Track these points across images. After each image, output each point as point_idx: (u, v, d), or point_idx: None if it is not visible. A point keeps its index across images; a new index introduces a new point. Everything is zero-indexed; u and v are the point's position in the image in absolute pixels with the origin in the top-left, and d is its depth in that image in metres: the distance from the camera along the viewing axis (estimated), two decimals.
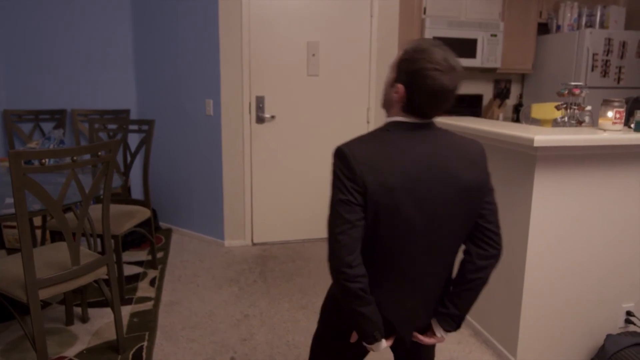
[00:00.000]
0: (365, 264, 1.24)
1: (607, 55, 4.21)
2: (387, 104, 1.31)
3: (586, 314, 2.25)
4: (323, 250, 3.72)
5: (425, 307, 1.37)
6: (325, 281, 3.15)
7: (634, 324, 2.30)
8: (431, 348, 1.58)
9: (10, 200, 2.07)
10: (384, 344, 1.32)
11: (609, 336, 2.13)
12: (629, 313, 2.30)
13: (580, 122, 2.49)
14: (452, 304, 1.36)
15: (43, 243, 3.02)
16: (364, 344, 1.32)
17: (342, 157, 1.21)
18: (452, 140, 1.28)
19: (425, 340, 1.40)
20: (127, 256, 3.53)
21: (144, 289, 3.01)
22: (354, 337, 1.39)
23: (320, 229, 3.97)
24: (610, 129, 2.14)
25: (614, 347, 2.06)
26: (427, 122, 1.27)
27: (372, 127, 3.92)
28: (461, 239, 1.34)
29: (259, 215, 3.83)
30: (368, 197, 1.19)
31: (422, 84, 1.19)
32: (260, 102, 3.67)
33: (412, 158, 1.22)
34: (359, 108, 3.88)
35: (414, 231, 1.24)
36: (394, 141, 1.24)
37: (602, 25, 4.43)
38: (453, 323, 1.37)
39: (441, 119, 2.71)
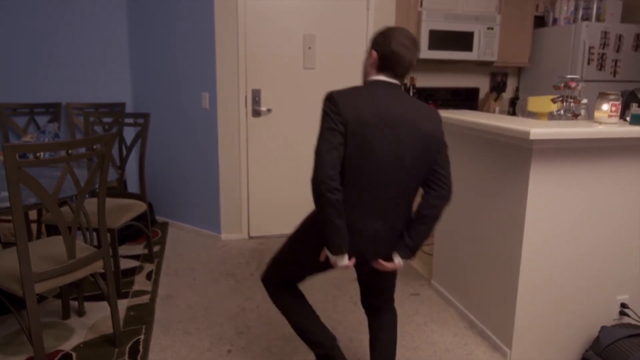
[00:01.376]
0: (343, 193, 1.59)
1: (603, 48, 4.21)
2: (365, 73, 1.73)
3: (581, 306, 2.26)
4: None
5: (388, 236, 1.68)
6: (321, 274, 3.16)
7: (628, 316, 2.32)
8: (392, 279, 1.89)
9: (5, 194, 2.06)
10: (346, 260, 1.64)
11: (603, 328, 2.14)
12: (623, 305, 2.32)
13: (576, 115, 2.50)
14: (409, 236, 1.69)
15: (39, 237, 3.01)
16: (329, 254, 1.63)
17: (331, 98, 1.60)
18: (415, 101, 1.67)
19: (385, 264, 1.70)
20: (123, 250, 3.53)
21: (140, 282, 3.01)
22: (323, 256, 1.69)
23: None
24: (606, 122, 2.14)
25: (608, 339, 2.08)
26: (397, 83, 1.67)
27: None
28: (419, 180, 1.68)
29: (256, 209, 3.83)
30: (347, 127, 1.57)
31: (389, 49, 1.63)
32: (256, 95, 3.66)
33: (383, 105, 1.60)
34: None
35: (381, 161, 1.59)
36: (371, 92, 1.62)
37: (599, 19, 4.42)
38: (408, 251, 1.69)
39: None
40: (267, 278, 1.94)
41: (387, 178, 1.61)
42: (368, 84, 1.67)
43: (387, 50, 1.64)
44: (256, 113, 3.68)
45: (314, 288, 2.97)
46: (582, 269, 2.21)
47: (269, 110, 3.70)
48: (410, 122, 1.60)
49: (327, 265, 1.76)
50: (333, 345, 1.89)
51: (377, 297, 1.90)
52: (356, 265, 1.75)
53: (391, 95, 1.63)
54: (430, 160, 1.65)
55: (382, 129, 1.58)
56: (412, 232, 1.68)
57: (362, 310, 2.67)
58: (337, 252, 1.60)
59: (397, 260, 1.70)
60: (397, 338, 1.94)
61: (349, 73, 3.81)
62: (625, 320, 2.33)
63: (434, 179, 1.68)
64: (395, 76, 1.66)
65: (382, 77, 1.66)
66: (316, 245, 1.72)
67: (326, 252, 1.66)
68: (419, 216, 1.67)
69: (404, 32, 1.65)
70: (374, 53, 1.67)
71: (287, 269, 1.87)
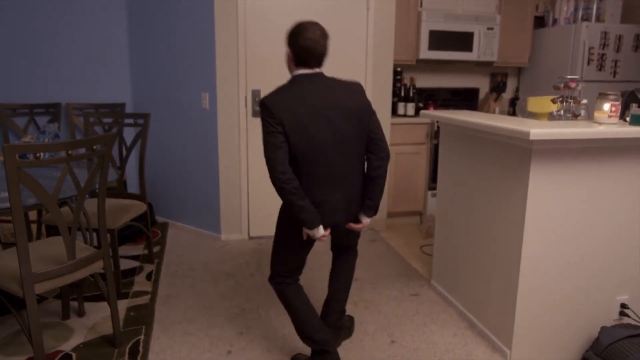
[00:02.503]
0: (297, 175, 1.89)
1: (603, 48, 4.21)
2: (289, 68, 1.97)
3: (581, 307, 2.26)
4: (318, 244, 3.73)
5: (350, 201, 2.00)
6: (321, 274, 3.16)
7: (628, 316, 2.32)
8: (358, 234, 2.26)
9: (5, 194, 2.06)
10: (322, 230, 1.93)
11: (603, 328, 2.14)
12: (623, 305, 2.32)
13: (576, 116, 2.50)
14: (368, 198, 2.02)
15: (39, 237, 3.01)
16: (307, 231, 1.92)
17: (264, 106, 1.84)
18: (337, 82, 1.95)
19: (355, 226, 2.06)
20: (123, 250, 3.53)
21: (140, 283, 3.01)
22: (304, 234, 1.98)
23: None
24: (606, 122, 2.14)
25: (608, 339, 2.08)
26: (317, 72, 1.92)
27: None
28: (361, 148, 1.98)
29: (256, 209, 3.83)
30: (285, 126, 1.82)
31: (299, 46, 1.87)
32: (256, 95, 3.66)
33: (310, 95, 1.86)
34: None
35: (323, 144, 1.87)
36: (297, 87, 1.88)
37: (599, 19, 4.42)
38: (371, 211, 2.04)
39: (437, 112, 2.71)
40: (273, 273, 2.14)
41: (333, 156, 1.91)
42: (292, 80, 1.92)
43: (298, 47, 1.87)
44: (256, 113, 3.68)
45: (314, 290, 2.97)
46: (582, 269, 2.21)
47: None
48: (339, 102, 1.90)
49: (311, 241, 2.06)
50: (328, 341, 2.07)
51: (347, 243, 2.29)
52: (332, 232, 2.13)
53: (315, 84, 1.89)
54: (365, 129, 1.97)
55: (315, 116, 1.86)
56: (369, 194, 2.02)
57: (362, 311, 2.69)
58: (312, 226, 1.90)
59: (364, 220, 2.06)
60: (353, 275, 2.36)
61: (349, 73, 3.81)
62: (625, 320, 2.33)
63: (372, 145, 2.00)
64: (312, 67, 1.91)
65: (302, 71, 1.91)
66: (295, 228, 2.01)
67: (305, 230, 1.95)
68: (369, 179, 2.01)
69: (311, 27, 1.87)
70: (289, 51, 1.92)
71: (285, 258, 2.10)
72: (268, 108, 1.82)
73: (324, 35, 1.88)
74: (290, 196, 1.84)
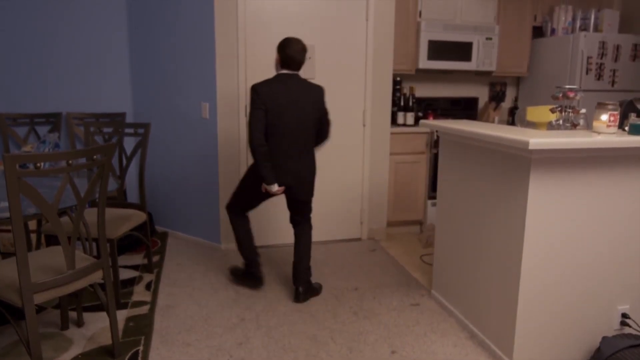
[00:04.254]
0: (267, 144, 2.67)
1: (601, 58, 4.24)
2: (275, 67, 2.75)
3: (582, 316, 2.25)
4: (319, 254, 3.72)
5: (303, 170, 2.77)
6: (321, 281, 3.15)
7: (629, 326, 2.31)
8: (309, 205, 2.94)
9: (5, 204, 2.06)
10: (276, 187, 2.70)
11: (604, 338, 2.13)
12: (624, 315, 2.31)
13: (574, 125, 2.50)
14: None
15: (38, 247, 3.01)
16: (265, 185, 2.70)
17: (254, 90, 2.63)
18: (307, 83, 2.73)
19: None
20: (122, 260, 3.52)
21: (139, 293, 3.00)
22: (263, 187, 2.73)
23: (316, 233, 3.97)
24: (605, 132, 2.15)
25: (609, 349, 2.07)
26: (295, 74, 2.71)
27: (368, 130, 3.93)
28: (314, 132, 2.78)
29: (255, 218, 3.83)
30: (267, 106, 2.62)
31: (285, 54, 2.66)
32: None
33: (288, 89, 2.66)
34: (355, 111, 3.89)
35: (289, 125, 2.67)
36: (280, 81, 2.67)
37: (597, 29, 4.45)
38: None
39: (436, 121, 2.72)
40: (229, 206, 2.99)
41: (294, 134, 2.69)
42: (277, 76, 2.70)
43: (284, 55, 2.66)
44: None
45: (314, 298, 2.96)
46: (582, 279, 2.21)
47: None
48: (305, 96, 2.69)
49: (267, 195, 2.79)
50: (256, 263, 3.01)
51: (301, 216, 2.94)
52: (285, 192, 2.79)
53: (292, 81, 2.69)
54: (318, 117, 2.77)
55: (289, 105, 2.65)
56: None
57: (363, 321, 2.68)
58: (269, 182, 2.68)
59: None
60: (311, 241, 2.97)
61: (348, 82, 3.83)
62: (627, 330, 2.32)
63: (321, 128, 2.84)
64: (292, 70, 2.70)
65: (285, 71, 2.70)
66: (256, 181, 2.77)
67: (263, 185, 2.71)
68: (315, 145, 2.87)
69: (295, 43, 2.65)
70: (277, 56, 2.70)
71: (242, 200, 2.94)
72: (258, 92, 2.62)
73: (304, 49, 2.68)
74: (260, 156, 2.63)
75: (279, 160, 2.67)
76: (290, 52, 2.62)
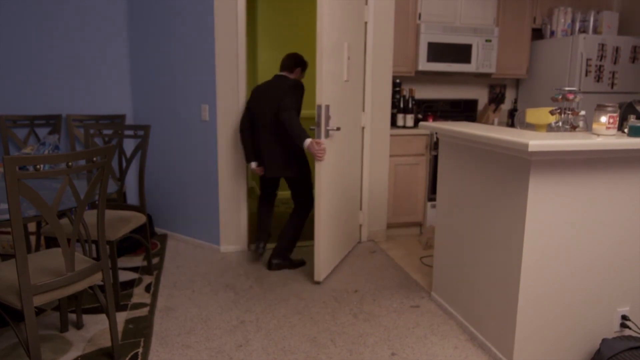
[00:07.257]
0: (250, 131, 3.39)
1: (600, 60, 4.24)
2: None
3: (582, 318, 2.25)
4: None
5: (276, 154, 3.26)
6: (321, 282, 3.15)
7: (629, 328, 2.31)
8: (299, 188, 3.41)
9: (4, 206, 2.06)
10: (254, 165, 3.40)
11: (604, 340, 2.13)
12: (624, 317, 2.31)
13: (574, 127, 2.51)
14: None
15: (38, 249, 3.01)
16: (246, 163, 3.49)
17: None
18: (283, 81, 3.24)
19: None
20: (122, 262, 3.52)
21: (139, 295, 3.00)
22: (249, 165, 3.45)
23: None
24: (604, 134, 2.15)
25: (609, 351, 2.06)
26: (281, 74, 3.32)
27: (368, 132, 3.93)
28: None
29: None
30: (249, 105, 3.36)
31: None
32: None
33: (267, 87, 3.28)
34: (355, 113, 3.88)
35: (261, 120, 3.27)
36: (269, 81, 3.34)
37: (596, 31, 4.46)
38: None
39: (436, 123, 2.72)
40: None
41: (264, 125, 3.26)
42: (273, 78, 3.35)
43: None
44: None
45: (314, 301, 2.96)
46: (582, 281, 2.21)
47: None
48: (273, 92, 3.22)
49: (262, 176, 3.50)
50: (263, 237, 3.56)
51: (294, 199, 3.46)
52: (265, 173, 3.35)
53: (275, 79, 3.31)
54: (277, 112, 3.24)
55: (259, 99, 3.29)
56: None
57: (362, 323, 2.67)
58: (247, 160, 3.43)
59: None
60: (297, 224, 3.44)
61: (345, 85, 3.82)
62: (627, 332, 2.32)
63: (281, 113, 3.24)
64: (280, 71, 3.34)
65: (279, 73, 3.35)
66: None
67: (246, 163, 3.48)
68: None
69: (286, 55, 3.36)
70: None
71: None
72: (252, 93, 3.36)
73: (289, 57, 3.33)
74: (242, 139, 3.40)
75: (260, 146, 3.31)
76: (284, 57, 3.34)
